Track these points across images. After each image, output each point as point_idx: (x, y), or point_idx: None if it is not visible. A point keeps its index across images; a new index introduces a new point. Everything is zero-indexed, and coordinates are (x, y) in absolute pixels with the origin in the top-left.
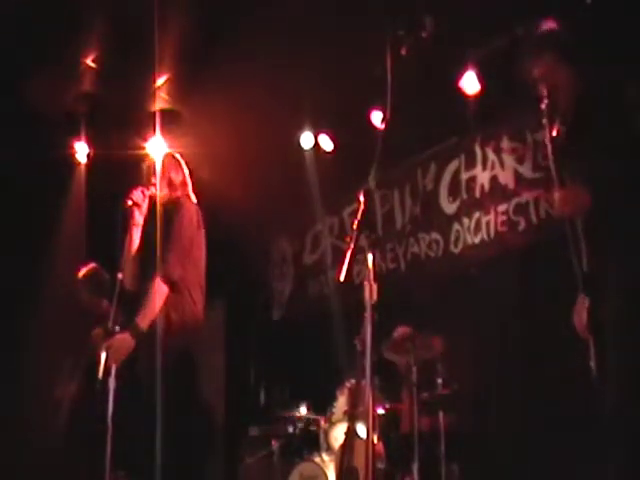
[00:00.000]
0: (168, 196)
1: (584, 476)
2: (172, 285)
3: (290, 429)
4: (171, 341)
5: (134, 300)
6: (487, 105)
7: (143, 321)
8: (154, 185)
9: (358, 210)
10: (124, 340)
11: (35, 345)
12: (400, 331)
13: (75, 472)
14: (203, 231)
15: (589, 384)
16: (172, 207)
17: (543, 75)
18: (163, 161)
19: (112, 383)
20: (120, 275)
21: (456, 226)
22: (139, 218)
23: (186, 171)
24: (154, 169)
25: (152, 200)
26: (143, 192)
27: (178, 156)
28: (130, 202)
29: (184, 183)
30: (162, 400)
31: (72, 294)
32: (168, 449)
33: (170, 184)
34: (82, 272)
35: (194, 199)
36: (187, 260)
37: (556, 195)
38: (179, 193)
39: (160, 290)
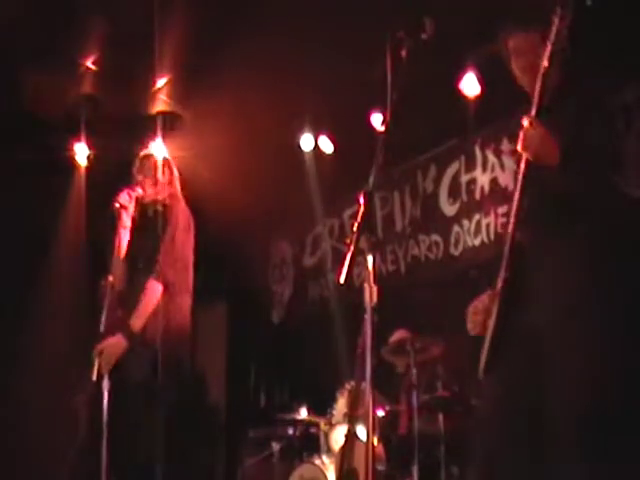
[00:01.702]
0: (153, 196)
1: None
2: (165, 286)
3: (290, 431)
4: (166, 348)
5: (123, 301)
6: (487, 107)
7: (136, 322)
8: (140, 185)
9: (358, 212)
10: (116, 343)
11: (36, 351)
12: (400, 333)
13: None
14: (192, 234)
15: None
16: (161, 208)
17: (521, 50)
18: (150, 161)
19: (106, 386)
20: (111, 277)
21: (456, 228)
22: (126, 220)
23: (175, 173)
24: (139, 169)
25: (138, 201)
26: (129, 194)
27: (166, 155)
28: (117, 204)
29: (171, 183)
30: (151, 405)
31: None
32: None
33: (156, 184)
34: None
35: (182, 199)
36: (178, 263)
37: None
38: (166, 194)
39: (154, 290)
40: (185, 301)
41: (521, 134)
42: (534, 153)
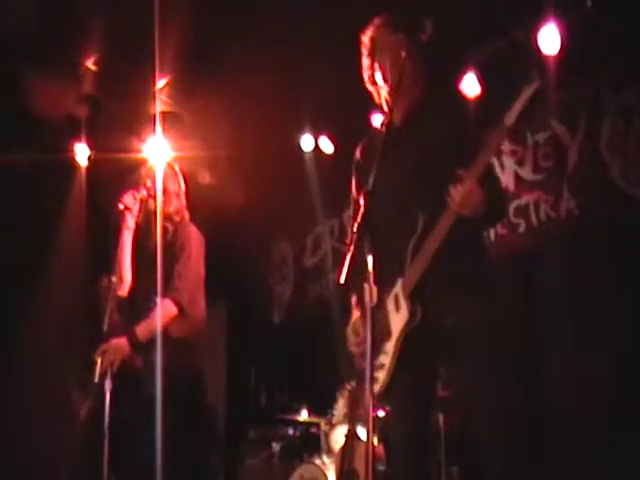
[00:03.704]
0: (162, 204)
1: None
2: (180, 309)
3: (290, 431)
4: (175, 359)
5: (127, 305)
6: (487, 107)
7: (142, 332)
8: (146, 188)
9: (358, 212)
10: (119, 345)
11: (35, 351)
12: None
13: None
14: (204, 254)
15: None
16: (171, 226)
17: (387, 47)
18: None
19: (108, 386)
20: (114, 278)
21: None
22: (131, 222)
23: (182, 184)
24: (148, 173)
25: (142, 203)
26: (134, 195)
27: (177, 168)
28: (122, 206)
29: (178, 195)
30: (166, 416)
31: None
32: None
33: (165, 192)
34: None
35: (187, 215)
36: (194, 287)
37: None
38: (172, 207)
39: (168, 309)
40: (198, 319)
41: (463, 193)
42: (474, 210)
